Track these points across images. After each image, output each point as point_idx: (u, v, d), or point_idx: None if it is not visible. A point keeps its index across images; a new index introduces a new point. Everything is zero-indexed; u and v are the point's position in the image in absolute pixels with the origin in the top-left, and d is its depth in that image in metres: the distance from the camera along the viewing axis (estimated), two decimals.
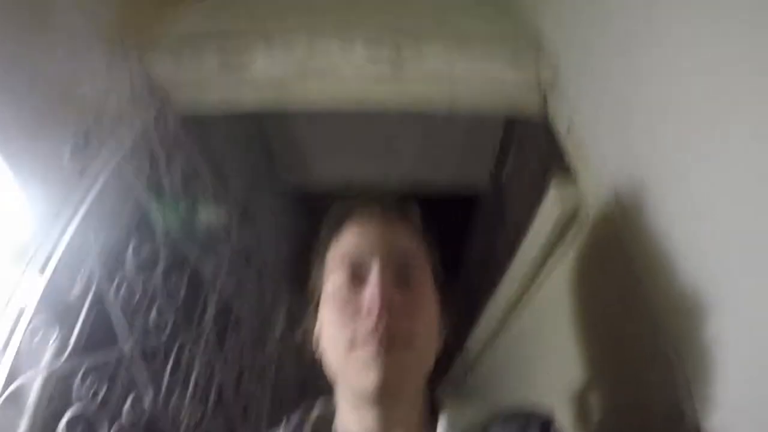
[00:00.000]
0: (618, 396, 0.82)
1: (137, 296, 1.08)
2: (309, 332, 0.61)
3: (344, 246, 0.59)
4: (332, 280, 0.57)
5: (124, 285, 1.04)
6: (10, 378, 0.75)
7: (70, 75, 0.94)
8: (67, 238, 0.89)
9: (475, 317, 2.42)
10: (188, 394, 1.23)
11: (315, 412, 0.60)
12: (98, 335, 0.99)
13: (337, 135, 1.95)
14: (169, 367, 1.19)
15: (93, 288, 0.96)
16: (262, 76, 1.19)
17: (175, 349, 1.22)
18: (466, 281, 2.73)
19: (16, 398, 0.77)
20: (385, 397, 0.50)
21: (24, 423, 0.78)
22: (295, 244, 2.45)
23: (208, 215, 1.45)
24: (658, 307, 0.68)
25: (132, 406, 1.01)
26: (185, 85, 1.24)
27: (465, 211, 2.42)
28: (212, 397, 1.35)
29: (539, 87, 1.13)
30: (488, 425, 0.54)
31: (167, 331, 1.17)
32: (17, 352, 0.77)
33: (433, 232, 0.65)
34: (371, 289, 0.52)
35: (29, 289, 0.81)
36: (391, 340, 0.49)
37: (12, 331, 0.77)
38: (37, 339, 0.81)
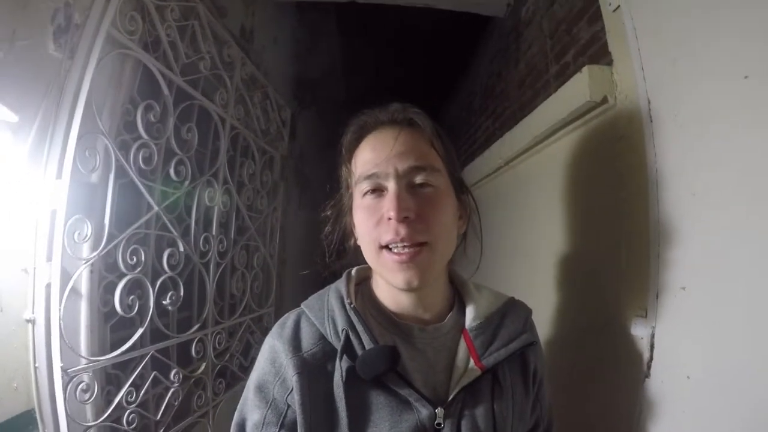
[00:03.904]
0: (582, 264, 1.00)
1: (155, 157, 1.09)
2: (349, 228, 0.69)
3: (363, 163, 0.63)
4: (358, 190, 0.64)
5: (141, 150, 1.04)
6: (65, 277, 0.84)
7: None
8: (75, 130, 0.85)
9: (468, 135, 2.47)
10: (213, 232, 1.38)
11: (354, 280, 0.69)
12: (127, 209, 1.05)
13: None
14: (193, 213, 1.30)
15: (113, 164, 0.97)
16: None
17: (196, 196, 1.30)
18: (466, 99, 2.65)
19: (76, 291, 0.90)
20: (412, 289, 0.60)
21: (84, 308, 0.92)
22: (296, 65, 2.25)
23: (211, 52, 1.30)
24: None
25: (168, 259, 1.16)
26: None
27: (475, 32, 2.18)
28: (233, 228, 1.51)
29: None
30: (503, 312, 0.68)
31: (188, 180, 1.23)
32: (63, 254, 0.83)
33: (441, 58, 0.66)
34: (388, 203, 0.59)
35: (54, 192, 0.82)
36: (411, 244, 0.58)
37: (52, 233, 0.82)
38: (76, 235, 0.88)
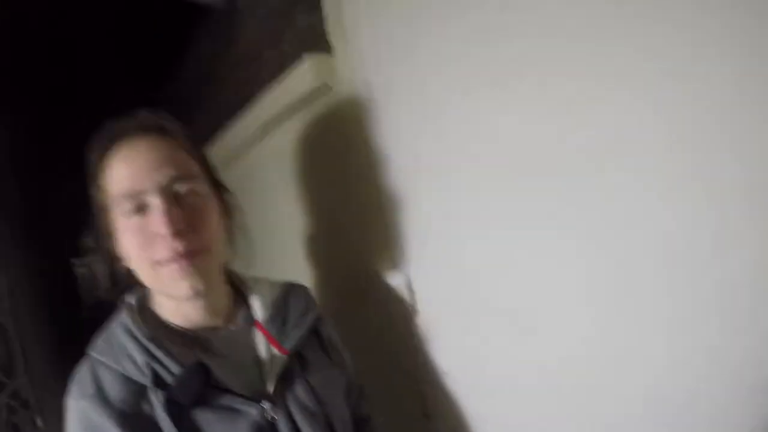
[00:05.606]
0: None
1: None
2: (114, 253, 0.63)
3: (118, 180, 0.59)
4: (119, 211, 0.59)
5: None
6: None
7: None
8: None
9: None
10: None
11: (134, 302, 0.65)
12: None
13: None
14: None
15: None
16: None
17: None
18: (185, 84, 2.46)
19: None
20: (198, 294, 0.60)
21: None
22: None
23: None
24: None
25: None
26: None
27: (188, 18, 2.02)
28: None
29: None
30: (285, 296, 0.72)
31: None
32: None
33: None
34: (157, 220, 0.57)
35: None
36: (188, 254, 0.57)
37: None
38: None
